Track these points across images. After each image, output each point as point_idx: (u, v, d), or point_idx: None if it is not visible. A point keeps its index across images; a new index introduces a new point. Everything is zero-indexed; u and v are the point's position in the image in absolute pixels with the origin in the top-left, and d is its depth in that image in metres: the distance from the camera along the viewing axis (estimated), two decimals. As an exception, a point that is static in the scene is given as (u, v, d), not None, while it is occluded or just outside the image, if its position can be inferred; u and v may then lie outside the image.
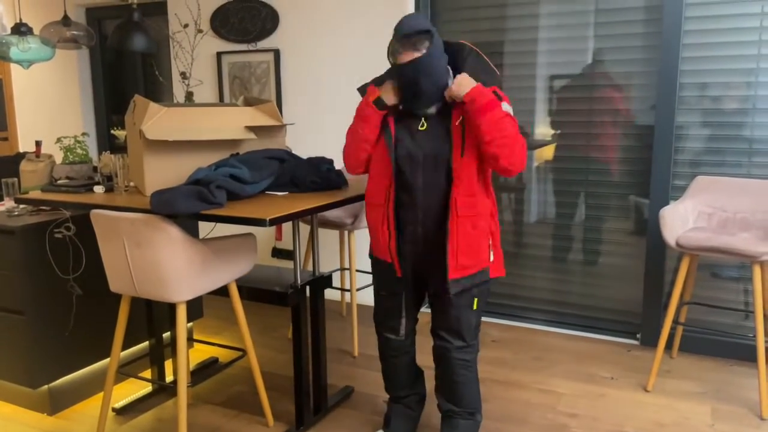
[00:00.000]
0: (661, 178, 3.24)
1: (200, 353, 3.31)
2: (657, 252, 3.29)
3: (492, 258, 2.18)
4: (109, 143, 5.18)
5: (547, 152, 3.62)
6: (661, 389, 2.89)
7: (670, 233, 2.76)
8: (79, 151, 3.16)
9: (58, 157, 4.38)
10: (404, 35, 1.99)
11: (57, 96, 5.15)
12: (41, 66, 5.09)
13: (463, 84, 2.02)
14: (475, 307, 2.19)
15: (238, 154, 2.53)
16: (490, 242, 2.16)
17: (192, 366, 3.14)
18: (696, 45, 3.14)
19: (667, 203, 3.22)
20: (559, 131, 3.56)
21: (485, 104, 1.98)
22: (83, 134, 3.26)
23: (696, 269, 3.06)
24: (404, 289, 2.27)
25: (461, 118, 2.06)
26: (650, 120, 3.32)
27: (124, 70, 5.09)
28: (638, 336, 3.42)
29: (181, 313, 2.23)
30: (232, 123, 2.52)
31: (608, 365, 3.15)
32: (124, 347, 2.99)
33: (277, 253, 4.50)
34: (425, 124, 2.11)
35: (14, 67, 5.33)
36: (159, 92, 4.88)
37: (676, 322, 3.03)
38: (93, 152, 5.13)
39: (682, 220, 2.87)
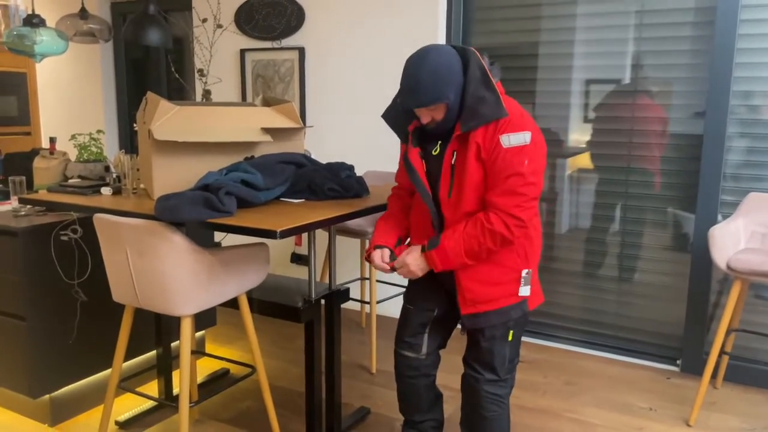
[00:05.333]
0: (710, 193, 2.99)
1: (212, 362, 3.16)
2: (702, 272, 3.04)
3: (524, 293, 1.93)
4: (131, 141, 5.09)
5: (581, 160, 3.40)
6: (705, 424, 2.65)
7: (720, 255, 2.52)
8: (93, 149, 3.04)
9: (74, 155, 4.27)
10: (416, 106, 1.83)
11: (80, 91, 5.07)
12: (65, 61, 5.02)
13: (411, 267, 1.92)
14: (510, 339, 1.97)
15: (252, 157, 2.37)
16: (524, 274, 1.92)
17: (202, 377, 2.99)
18: (750, 50, 2.89)
19: (715, 220, 2.97)
20: (594, 138, 3.33)
21: (444, 265, 1.88)
22: (98, 131, 3.15)
23: (746, 294, 2.81)
24: (437, 306, 2.07)
25: (454, 155, 1.86)
26: (693, 129, 3.08)
27: (150, 66, 4.98)
28: (679, 362, 3.17)
29: (186, 327, 2.07)
30: (248, 124, 2.36)
31: (646, 394, 2.91)
32: (132, 356, 2.85)
33: (297, 258, 4.33)
34: (438, 149, 1.93)
35: (38, 61, 5.27)
36: (183, 90, 4.77)
37: (722, 351, 2.78)
38: (115, 149, 5.04)
39: (734, 241, 2.63)
